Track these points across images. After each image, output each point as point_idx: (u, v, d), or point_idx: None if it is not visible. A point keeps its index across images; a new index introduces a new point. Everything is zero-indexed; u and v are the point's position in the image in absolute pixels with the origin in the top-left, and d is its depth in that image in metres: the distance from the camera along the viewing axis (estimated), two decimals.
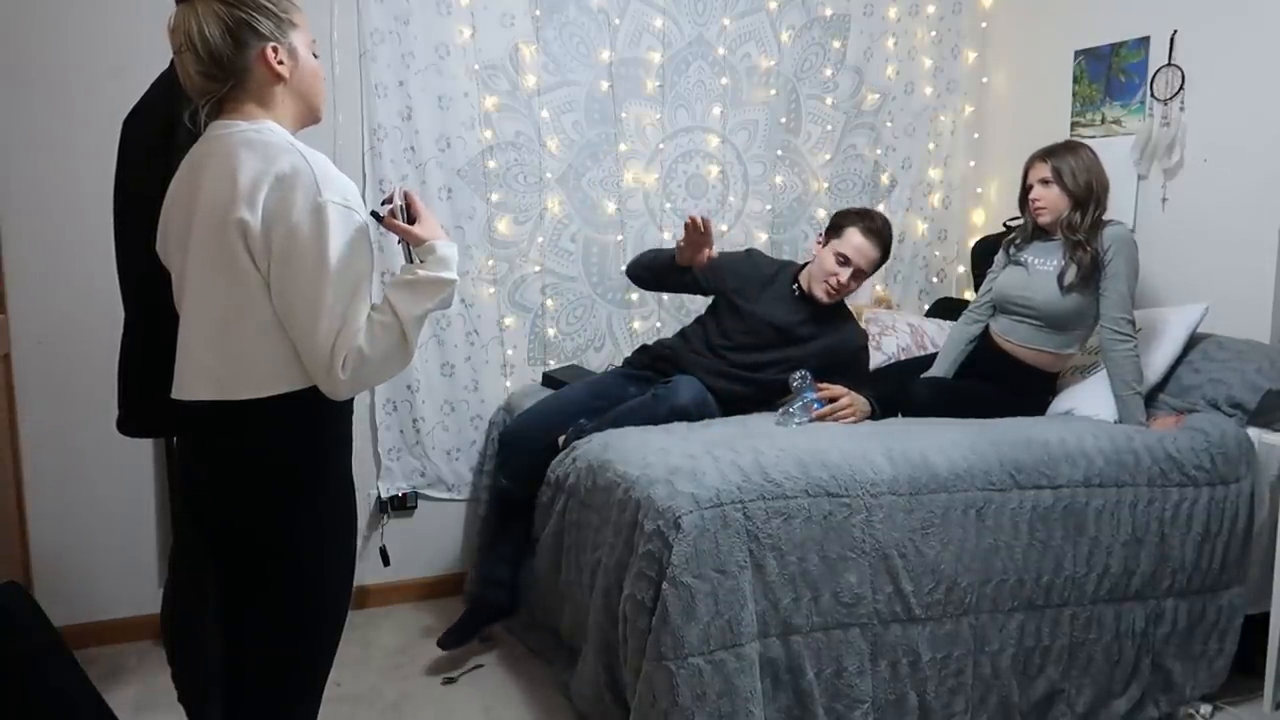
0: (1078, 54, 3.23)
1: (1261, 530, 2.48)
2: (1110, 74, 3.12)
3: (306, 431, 1.44)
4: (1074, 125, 3.26)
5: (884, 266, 2.95)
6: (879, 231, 2.77)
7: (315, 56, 1.53)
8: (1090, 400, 2.65)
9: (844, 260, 2.73)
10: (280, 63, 1.45)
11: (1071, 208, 2.60)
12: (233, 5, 1.41)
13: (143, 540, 2.87)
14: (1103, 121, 3.16)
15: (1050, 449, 2.32)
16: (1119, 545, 2.32)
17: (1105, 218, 2.62)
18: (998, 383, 2.69)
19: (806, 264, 2.88)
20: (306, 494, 1.44)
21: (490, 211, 3.08)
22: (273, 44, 1.44)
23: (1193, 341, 2.73)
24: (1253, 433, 2.52)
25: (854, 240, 2.74)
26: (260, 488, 1.43)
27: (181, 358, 1.46)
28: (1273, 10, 2.65)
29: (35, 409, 2.74)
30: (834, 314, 2.83)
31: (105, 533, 2.82)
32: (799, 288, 2.82)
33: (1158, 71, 2.95)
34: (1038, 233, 2.72)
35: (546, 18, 3.07)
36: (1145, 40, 2.99)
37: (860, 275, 2.76)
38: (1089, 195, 2.58)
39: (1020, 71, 3.53)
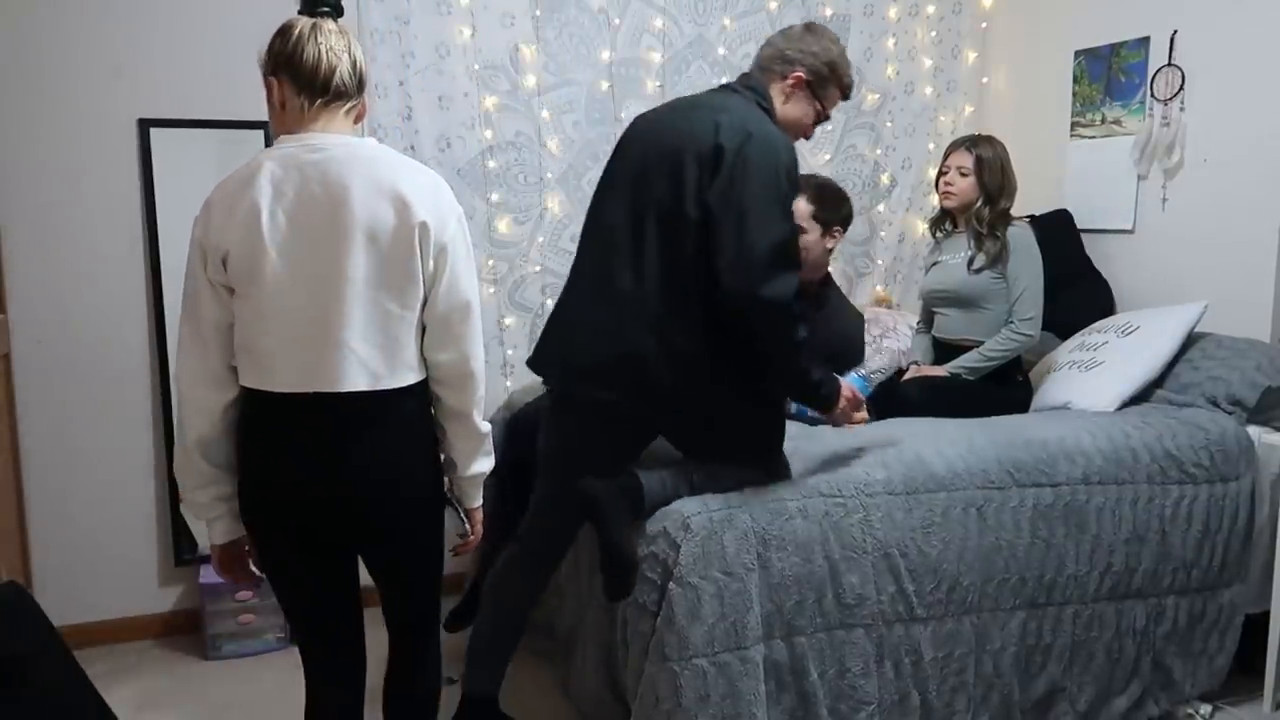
0: (1078, 54, 3.23)
1: (1262, 529, 2.48)
2: (1110, 74, 3.13)
3: (429, 410, 1.66)
4: (1074, 125, 3.26)
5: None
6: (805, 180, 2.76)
7: None
8: (1088, 394, 2.65)
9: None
10: (365, 108, 1.65)
11: (982, 201, 2.75)
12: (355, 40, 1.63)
13: (143, 540, 2.87)
14: (1103, 121, 3.16)
15: (1048, 447, 2.32)
16: (1121, 543, 2.31)
17: (1013, 214, 2.81)
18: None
19: None
20: (436, 451, 1.69)
21: (490, 211, 3.08)
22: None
23: (1192, 340, 2.73)
24: (1253, 431, 2.52)
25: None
26: (421, 452, 1.65)
27: (341, 354, 1.52)
28: (1273, 10, 2.65)
29: (35, 409, 2.73)
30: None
31: (105, 533, 2.82)
32: None
33: (1158, 71, 2.95)
34: (945, 221, 2.89)
35: (546, 18, 3.07)
36: (1145, 40, 2.99)
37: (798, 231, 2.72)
38: (1000, 191, 2.74)
39: (1020, 71, 3.53)
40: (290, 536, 1.60)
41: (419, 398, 1.61)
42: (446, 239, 1.55)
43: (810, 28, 2.14)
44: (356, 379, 1.52)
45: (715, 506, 2.00)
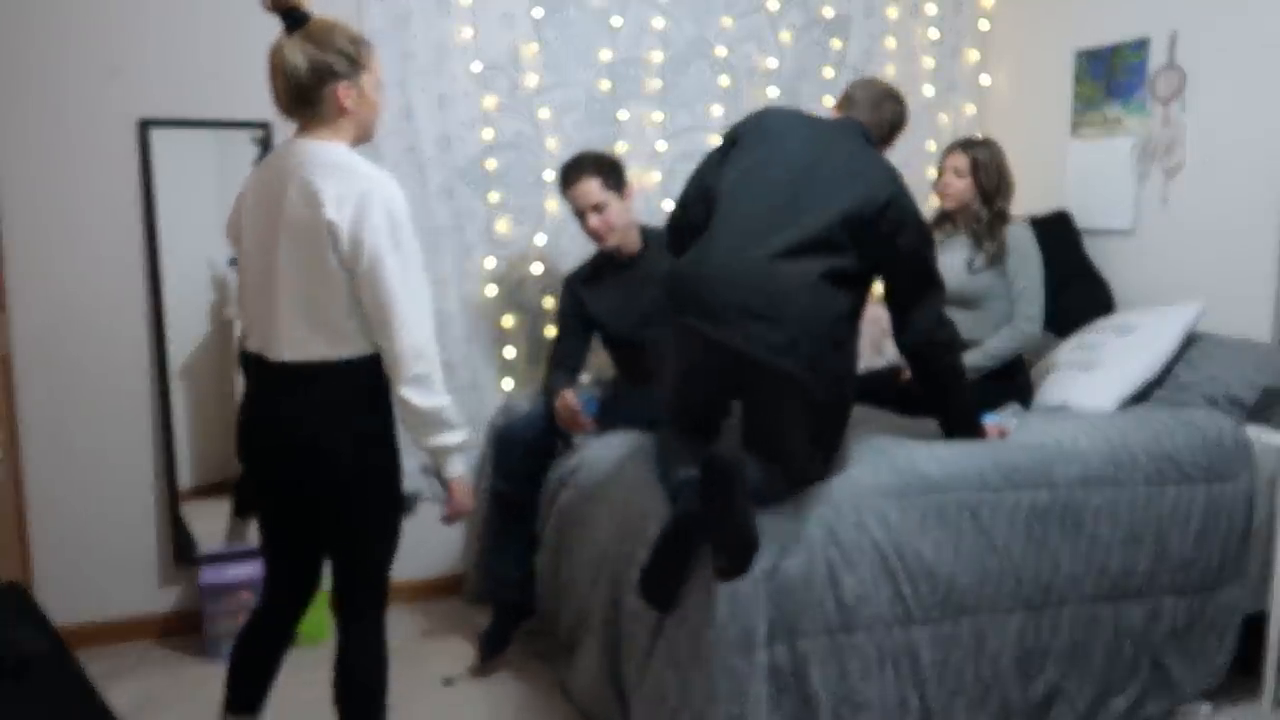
0: (1078, 54, 3.23)
1: (1260, 529, 2.47)
2: (1110, 74, 3.13)
3: (373, 384, 1.81)
4: (1074, 125, 3.26)
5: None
6: (576, 164, 2.77)
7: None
8: (1086, 394, 2.65)
9: (579, 213, 2.78)
10: (348, 98, 1.76)
11: (979, 202, 2.80)
12: (320, 47, 1.72)
13: (143, 541, 2.88)
14: (1103, 121, 3.17)
15: (1045, 450, 2.31)
16: (1118, 543, 2.31)
17: (1011, 213, 2.84)
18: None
19: None
20: (375, 423, 1.83)
21: (490, 211, 3.08)
22: (346, 82, 1.75)
23: (1191, 339, 2.73)
24: (1251, 431, 2.52)
25: (573, 192, 2.76)
26: (342, 420, 1.79)
27: (276, 328, 1.77)
28: (1273, 10, 2.65)
29: (35, 409, 2.74)
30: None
31: (105, 533, 2.82)
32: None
33: (1158, 72, 2.95)
34: (944, 222, 2.91)
35: (546, 18, 3.07)
36: (1145, 41, 2.99)
37: (600, 208, 2.74)
38: (997, 192, 2.79)
39: (1020, 71, 3.53)
40: (252, 466, 1.90)
41: (362, 369, 1.77)
42: (364, 236, 1.68)
43: (900, 100, 2.40)
44: (283, 351, 1.76)
45: None
